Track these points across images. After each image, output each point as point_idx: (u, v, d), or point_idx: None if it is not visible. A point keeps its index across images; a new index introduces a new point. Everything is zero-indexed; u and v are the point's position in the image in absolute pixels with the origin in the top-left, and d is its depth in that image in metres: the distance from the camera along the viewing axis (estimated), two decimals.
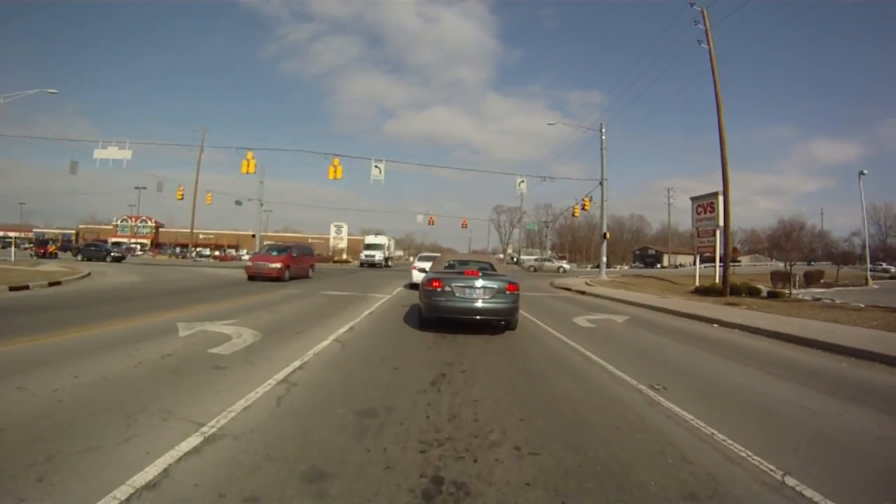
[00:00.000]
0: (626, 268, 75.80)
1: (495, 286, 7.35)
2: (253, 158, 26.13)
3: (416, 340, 6.97)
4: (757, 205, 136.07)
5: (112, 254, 33.29)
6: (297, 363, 5.16)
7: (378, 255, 41.85)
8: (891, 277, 35.44)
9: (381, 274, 29.29)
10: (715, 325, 10.44)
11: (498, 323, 7.69)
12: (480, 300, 7.27)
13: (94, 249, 33.42)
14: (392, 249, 48.83)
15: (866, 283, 29.70)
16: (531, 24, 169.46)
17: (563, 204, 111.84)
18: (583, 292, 18.80)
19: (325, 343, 6.42)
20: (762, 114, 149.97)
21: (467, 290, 7.29)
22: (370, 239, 44.68)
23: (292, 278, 18.04)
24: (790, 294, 19.47)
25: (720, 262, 28.89)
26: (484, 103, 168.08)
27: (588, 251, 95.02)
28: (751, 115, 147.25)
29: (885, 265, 37.68)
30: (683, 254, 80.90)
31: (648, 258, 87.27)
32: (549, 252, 72.60)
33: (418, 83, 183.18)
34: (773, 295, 19.29)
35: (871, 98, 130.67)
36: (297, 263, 19.01)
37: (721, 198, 28.02)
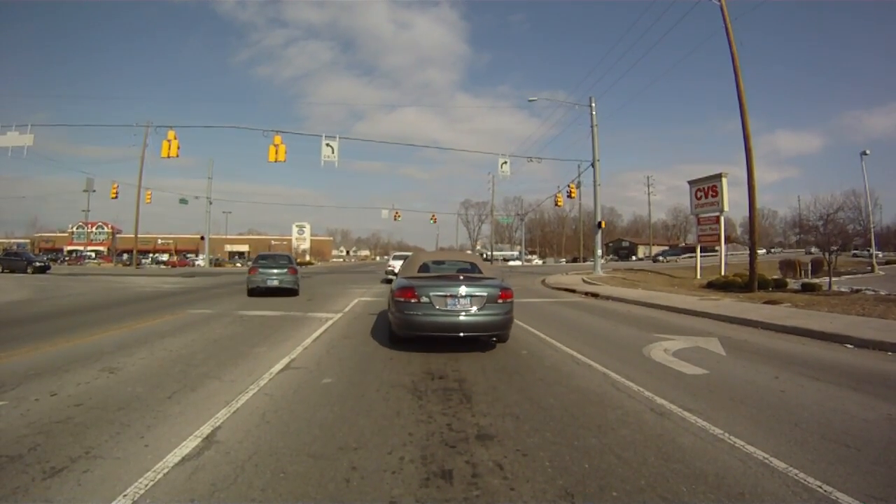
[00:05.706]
0: (602, 261, 73.54)
1: (485, 294, 6.01)
2: (175, 139, 21.12)
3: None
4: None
5: (35, 263, 30.47)
6: None
7: None
8: (887, 262, 33.79)
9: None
10: (848, 345, 6.77)
11: (489, 339, 6.47)
12: (466, 312, 5.92)
13: (14, 259, 31.02)
14: None
15: (872, 270, 27.61)
16: (501, 29, 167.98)
17: (532, 198, 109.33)
18: (595, 294, 14.95)
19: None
20: (725, 106, 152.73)
21: (449, 301, 5.92)
22: None
23: None
24: (830, 287, 16.45)
25: (726, 251, 26.40)
26: (453, 103, 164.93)
27: (559, 245, 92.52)
28: (714, 107, 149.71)
29: (867, 251, 36.72)
30: (657, 245, 79.80)
31: (622, 250, 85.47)
32: (518, 247, 69.37)
33: (389, 86, 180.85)
34: (807, 288, 16.22)
35: (830, 91, 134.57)
36: None
37: (725, 180, 25.15)
